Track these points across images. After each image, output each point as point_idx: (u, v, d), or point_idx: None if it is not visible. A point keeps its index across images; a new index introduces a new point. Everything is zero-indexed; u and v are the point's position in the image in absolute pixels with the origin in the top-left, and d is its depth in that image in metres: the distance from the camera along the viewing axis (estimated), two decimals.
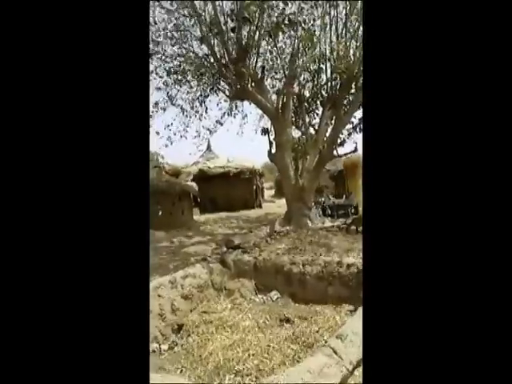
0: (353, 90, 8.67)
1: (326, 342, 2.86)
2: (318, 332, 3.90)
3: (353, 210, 10.77)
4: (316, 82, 10.05)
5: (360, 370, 2.59)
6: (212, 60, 8.21)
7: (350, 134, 10.13)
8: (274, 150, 8.90)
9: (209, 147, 17.78)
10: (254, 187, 15.54)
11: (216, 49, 7.81)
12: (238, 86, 8.05)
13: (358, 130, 10.03)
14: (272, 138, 8.89)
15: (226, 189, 14.87)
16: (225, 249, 6.43)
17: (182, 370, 3.37)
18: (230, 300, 4.83)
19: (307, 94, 10.60)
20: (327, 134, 8.86)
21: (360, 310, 3.39)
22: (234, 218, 12.59)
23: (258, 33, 7.80)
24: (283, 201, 11.68)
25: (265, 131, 9.09)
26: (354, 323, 2.87)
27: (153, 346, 3.89)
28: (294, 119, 10.83)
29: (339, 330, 2.87)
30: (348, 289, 4.64)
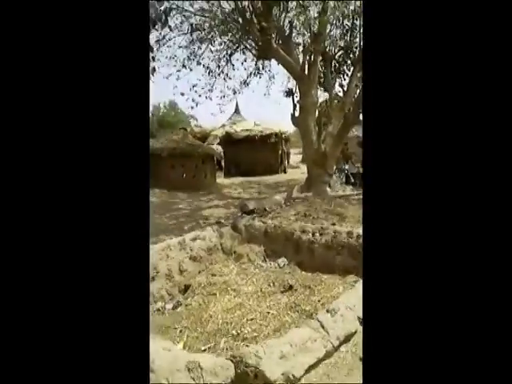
0: None
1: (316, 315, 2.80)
2: (319, 301, 3.85)
3: None
4: (348, 40, 9.42)
5: (348, 346, 2.54)
6: (236, 15, 7.78)
7: None
8: (297, 113, 8.57)
9: (237, 109, 17.50)
10: (280, 152, 15.26)
11: (241, 2, 7.39)
12: (263, 43, 7.66)
13: None
14: (296, 100, 8.53)
15: (251, 153, 14.71)
16: (240, 213, 6.42)
17: (181, 330, 3.46)
18: (238, 264, 4.87)
19: (337, 52, 10.01)
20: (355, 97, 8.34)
21: (358, 284, 3.29)
22: (256, 183, 12.53)
23: None
24: None
25: (289, 93, 8.72)
26: (348, 297, 2.78)
27: (158, 305, 4.02)
28: (321, 80, 10.37)
29: (332, 303, 2.79)
30: (356, 259, 4.51)
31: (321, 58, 10.34)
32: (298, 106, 8.42)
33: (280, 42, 8.32)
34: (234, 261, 4.98)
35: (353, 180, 10.08)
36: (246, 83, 10.33)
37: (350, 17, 8.82)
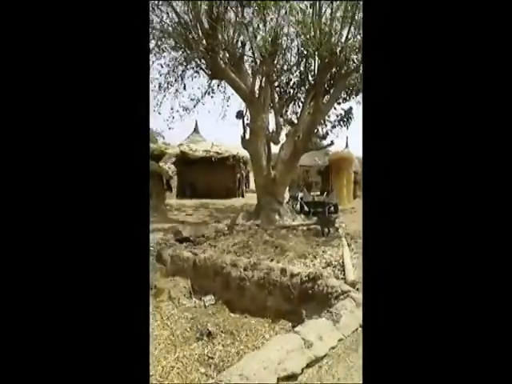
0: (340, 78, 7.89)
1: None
2: (237, 353, 3.29)
3: (332, 209, 10.07)
4: (304, 68, 9.27)
5: None
6: (181, 30, 7.31)
7: (333, 127, 9.38)
8: (248, 136, 8.17)
9: (196, 129, 17.01)
10: (238, 175, 14.80)
11: (187, 18, 6.99)
12: (210, 63, 7.29)
13: (342, 123, 9.28)
14: (246, 123, 8.15)
15: (207, 174, 14.11)
16: (172, 240, 5.79)
17: None
18: (155, 302, 4.21)
19: (294, 79, 9.84)
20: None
21: (271, 341, 2.75)
22: (209, 206, 11.91)
23: (238, 6, 7.00)
24: None
25: (239, 115, 8.32)
26: (250, 363, 2.22)
27: None
28: (277, 106, 10.14)
29: (230, 368, 2.22)
30: (288, 302, 4.01)
31: (276, 83, 10.20)
32: (248, 129, 8.03)
33: (231, 62, 7.99)
34: (153, 297, 4.32)
35: (307, 209, 9.70)
36: (198, 101, 9.88)
37: (308, 44, 8.68)
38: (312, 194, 12.49)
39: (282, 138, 8.46)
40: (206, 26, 6.77)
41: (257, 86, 8.14)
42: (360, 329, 3.04)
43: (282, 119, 9.87)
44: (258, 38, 7.27)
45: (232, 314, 4.17)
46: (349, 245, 6.08)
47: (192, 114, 10.09)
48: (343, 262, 4.74)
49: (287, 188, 11.75)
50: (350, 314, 3.08)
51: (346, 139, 20.15)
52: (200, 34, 6.98)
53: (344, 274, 4.34)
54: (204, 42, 7.02)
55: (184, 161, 14.09)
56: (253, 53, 7.82)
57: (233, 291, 4.35)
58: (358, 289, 4.03)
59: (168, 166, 12.57)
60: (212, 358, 3.21)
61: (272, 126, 7.54)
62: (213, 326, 3.73)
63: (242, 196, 14.95)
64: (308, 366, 2.37)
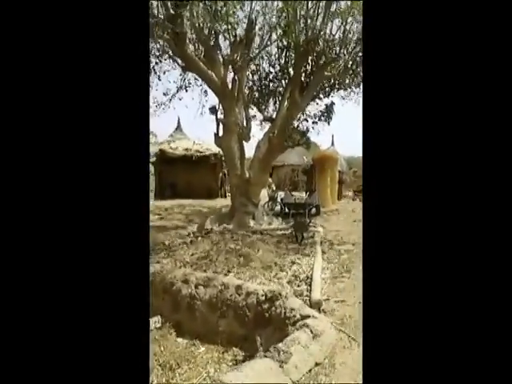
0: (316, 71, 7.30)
1: None
2: None
3: (313, 210, 9.51)
4: (285, 60, 8.68)
5: None
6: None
7: (315, 123, 8.80)
8: (221, 133, 7.57)
9: (179, 126, 16.37)
10: (220, 175, 14.18)
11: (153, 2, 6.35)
12: (177, 52, 6.66)
13: (324, 119, 8.70)
14: (219, 118, 7.53)
15: (188, 174, 13.50)
16: None
17: None
18: None
19: (274, 72, 9.25)
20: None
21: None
22: (187, 207, 11.31)
23: None
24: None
25: (213, 110, 7.70)
26: None
27: None
28: (257, 101, 9.54)
29: None
30: (242, 327, 3.43)
31: (256, 77, 9.58)
32: (221, 125, 7.42)
33: (202, 53, 7.38)
34: None
35: (287, 210, 9.12)
36: (173, 96, 9.25)
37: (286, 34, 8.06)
38: (297, 194, 11.93)
39: (259, 135, 7.93)
40: (172, 10, 6.12)
41: (230, 79, 7.56)
42: (315, 369, 2.49)
43: (262, 115, 9.32)
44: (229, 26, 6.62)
45: (179, 340, 3.59)
46: (324, 252, 5.53)
47: (174, 110, 9.45)
48: (312, 276, 4.18)
49: (271, 188, 11.21)
50: (304, 350, 2.51)
51: (332, 137, 19.65)
52: (165, 19, 6.33)
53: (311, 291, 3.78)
54: (170, 27, 6.37)
55: (164, 160, 13.46)
56: (229, 44, 7.22)
57: (183, 312, 3.76)
58: (322, 310, 3.47)
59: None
60: None
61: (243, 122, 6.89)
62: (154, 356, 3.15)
63: (225, 196, 14.34)
64: None
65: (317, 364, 2.51)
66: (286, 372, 2.31)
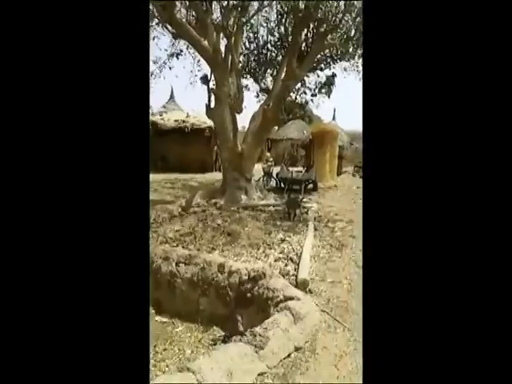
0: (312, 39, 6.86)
1: None
2: None
3: (310, 186, 9.26)
4: (284, 28, 8.18)
5: None
6: None
7: (314, 95, 8.42)
8: (212, 105, 7.21)
9: (172, 96, 15.85)
10: (215, 148, 13.81)
11: None
12: (165, 16, 6.22)
13: (324, 91, 8.31)
14: (211, 89, 7.15)
15: (181, 147, 13.13)
16: None
17: None
18: None
19: (272, 39, 8.76)
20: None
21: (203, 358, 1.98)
22: (180, 182, 11.05)
23: None
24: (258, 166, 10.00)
25: (204, 79, 7.30)
26: None
27: None
28: (253, 70, 9.11)
29: None
30: (224, 306, 3.27)
31: (253, 46, 9.10)
32: (212, 96, 7.05)
33: (194, 18, 6.93)
34: None
35: (282, 185, 8.88)
36: (164, 65, 8.81)
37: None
38: (295, 169, 11.65)
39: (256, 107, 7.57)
40: None
41: (224, 47, 7.13)
42: (295, 354, 2.32)
43: (259, 86, 8.91)
44: None
45: (158, 318, 3.44)
46: (316, 229, 5.33)
47: (167, 79, 9.04)
48: (301, 255, 3.99)
49: (267, 162, 10.89)
50: (283, 334, 2.33)
51: (334, 111, 19.13)
52: None
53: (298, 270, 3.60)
54: None
55: (155, 132, 13.05)
56: (220, 8, 6.73)
57: (162, 290, 3.59)
58: (309, 290, 3.29)
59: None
60: None
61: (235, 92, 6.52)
62: None
63: (219, 170, 14.05)
64: None
65: (296, 349, 2.34)
66: (261, 357, 2.14)
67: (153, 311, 3.51)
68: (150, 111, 14.67)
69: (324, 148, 10.85)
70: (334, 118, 17.74)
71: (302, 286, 3.28)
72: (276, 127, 18.45)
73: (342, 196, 9.00)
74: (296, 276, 3.48)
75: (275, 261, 3.90)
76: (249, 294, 3.13)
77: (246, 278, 3.22)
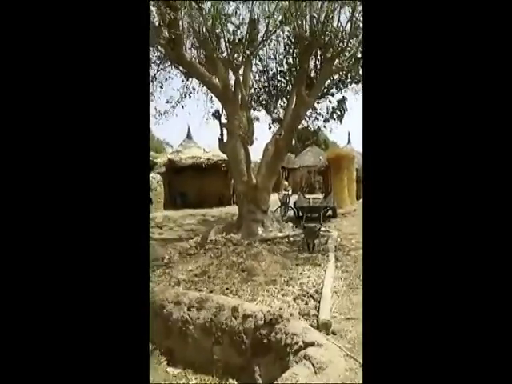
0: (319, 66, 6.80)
1: None
2: None
3: (329, 212, 8.94)
4: (293, 57, 8.22)
5: None
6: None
7: (326, 121, 8.28)
8: (225, 139, 7.18)
9: (189, 135, 16.17)
10: (232, 181, 13.80)
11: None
12: (173, 56, 6.34)
13: (336, 116, 8.17)
14: (223, 123, 7.14)
15: (198, 182, 13.19)
16: None
17: None
18: None
19: (280, 69, 8.80)
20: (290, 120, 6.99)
21: None
22: (198, 217, 10.95)
23: None
24: (274, 196, 9.83)
25: (216, 114, 7.33)
26: None
27: None
28: (265, 102, 9.13)
29: None
30: (239, 355, 2.98)
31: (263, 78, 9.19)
32: (225, 130, 7.04)
33: (202, 56, 7.05)
34: None
35: (300, 214, 8.61)
36: (177, 103, 8.97)
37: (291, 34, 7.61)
38: (313, 196, 11.37)
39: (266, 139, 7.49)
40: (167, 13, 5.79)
41: (233, 82, 7.18)
42: None
43: (271, 116, 8.88)
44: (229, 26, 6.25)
45: (170, 370, 3.17)
46: (338, 260, 5.01)
47: (186, 118, 9.22)
48: (322, 291, 3.69)
49: (286, 191, 10.68)
50: None
51: (348, 135, 18.95)
52: (160, 22, 6.02)
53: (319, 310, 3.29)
54: (165, 32, 6.06)
55: (173, 169, 13.21)
56: (225, 43, 6.84)
57: (174, 338, 3.34)
58: (331, 332, 2.97)
59: (152, 176, 11.67)
60: None
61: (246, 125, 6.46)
62: None
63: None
64: None
65: None
66: None
67: (164, 362, 3.26)
68: (170, 150, 14.95)
69: (341, 173, 10.60)
70: (349, 142, 17.54)
71: (323, 328, 2.97)
72: (293, 155, 18.42)
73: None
74: (317, 316, 3.17)
75: (294, 300, 3.60)
76: (265, 341, 2.84)
77: (262, 322, 2.95)
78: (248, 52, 6.08)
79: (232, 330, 3.08)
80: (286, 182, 13.83)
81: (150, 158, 13.08)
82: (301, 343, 2.59)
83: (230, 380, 2.92)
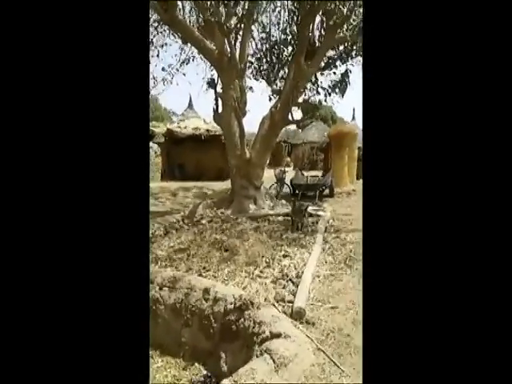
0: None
1: None
2: None
3: (326, 191, 8.70)
4: (296, 26, 7.73)
5: None
6: None
7: (328, 95, 7.87)
8: (220, 109, 6.86)
9: (190, 104, 15.73)
10: None
11: None
12: (167, 20, 5.94)
13: (338, 90, 7.75)
14: (218, 93, 6.81)
15: (197, 154, 12.91)
16: None
17: None
18: None
19: (283, 37, 8.33)
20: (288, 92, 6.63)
21: None
22: (195, 190, 10.78)
23: None
24: (271, 172, 9.62)
25: (211, 84, 6.97)
26: None
27: None
28: (266, 72, 8.71)
29: None
30: (208, 339, 2.85)
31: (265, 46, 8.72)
32: (220, 100, 6.70)
33: (200, 21, 6.64)
34: None
35: (296, 191, 8.39)
36: (177, 71, 8.62)
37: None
38: (312, 173, 11.09)
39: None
40: None
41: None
42: None
43: (271, 88, 8.49)
44: None
45: None
46: (326, 242, 4.83)
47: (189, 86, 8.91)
48: (302, 274, 3.51)
49: (286, 166, 10.41)
50: None
51: (353, 111, 18.26)
52: None
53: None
54: None
55: (172, 140, 12.91)
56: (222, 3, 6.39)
57: None
58: (305, 322, 2.81)
59: (150, 146, 11.42)
60: None
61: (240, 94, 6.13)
62: None
63: None
64: None
65: None
66: None
67: None
68: (175, 119, 14.60)
69: (342, 151, 10.25)
70: (353, 118, 16.99)
71: (297, 316, 2.81)
72: (300, 130, 17.95)
73: (359, 202, 8.39)
74: (292, 302, 3.01)
75: (272, 282, 3.44)
76: (233, 327, 2.70)
77: (232, 306, 2.79)
78: (247, 19, 5.66)
79: (201, 312, 2.94)
80: (288, 158, 13.52)
81: (150, 128, 12.78)
82: (267, 333, 2.43)
83: (196, 364, 2.80)
